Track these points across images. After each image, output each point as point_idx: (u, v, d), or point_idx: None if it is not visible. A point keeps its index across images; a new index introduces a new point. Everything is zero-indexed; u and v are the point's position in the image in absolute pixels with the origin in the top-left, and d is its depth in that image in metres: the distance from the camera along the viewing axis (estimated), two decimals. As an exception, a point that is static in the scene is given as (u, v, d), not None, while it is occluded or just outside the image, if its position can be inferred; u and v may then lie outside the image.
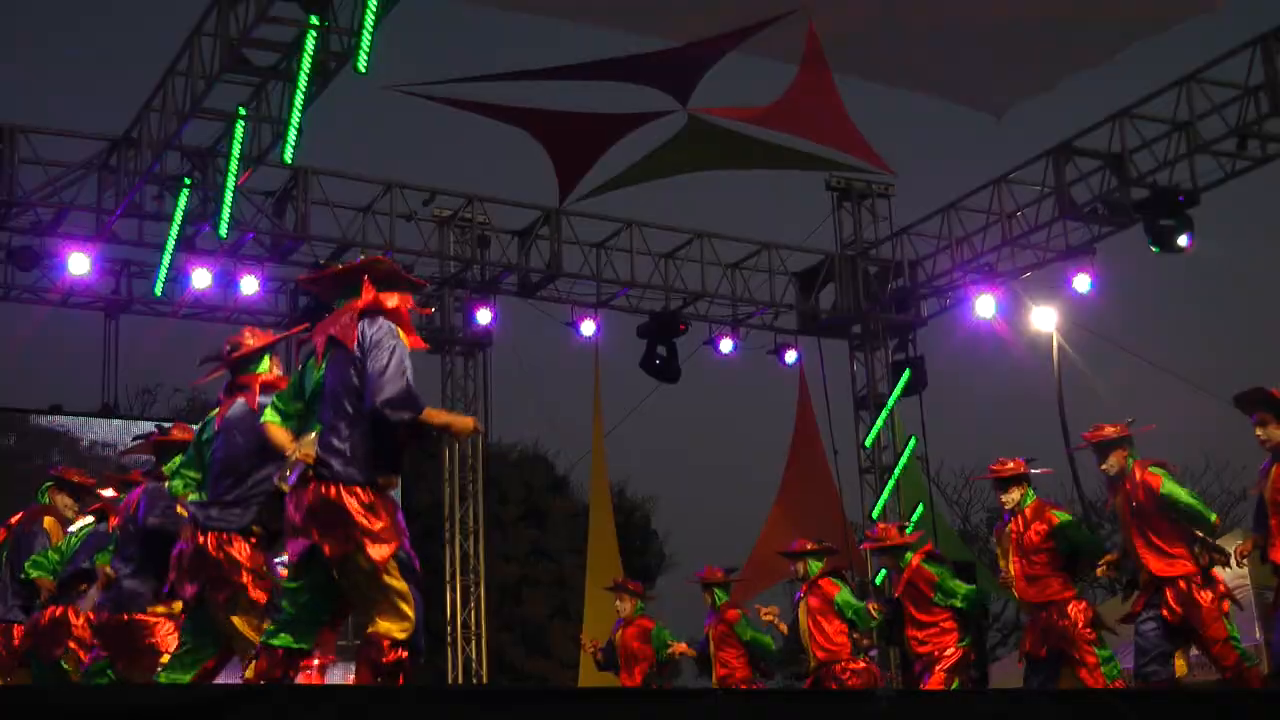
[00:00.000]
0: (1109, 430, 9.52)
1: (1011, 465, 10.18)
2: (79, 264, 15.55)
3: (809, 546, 11.91)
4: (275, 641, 6.19)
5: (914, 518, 18.09)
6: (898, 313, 19.17)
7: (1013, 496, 10.08)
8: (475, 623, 18.25)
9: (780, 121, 15.66)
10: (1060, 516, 9.96)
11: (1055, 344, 19.04)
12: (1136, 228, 16.43)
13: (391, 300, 6.25)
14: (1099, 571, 10.34)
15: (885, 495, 18.60)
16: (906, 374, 18.73)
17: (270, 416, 6.30)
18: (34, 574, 9.18)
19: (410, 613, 6.01)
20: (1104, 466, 9.53)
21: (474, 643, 18.17)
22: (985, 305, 18.13)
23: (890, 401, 18.82)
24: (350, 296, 6.28)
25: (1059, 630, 9.74)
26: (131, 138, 14.94)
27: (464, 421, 6.20)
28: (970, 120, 17.66)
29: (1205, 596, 9.20)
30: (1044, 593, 9.85)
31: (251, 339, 7.25)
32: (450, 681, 17.90)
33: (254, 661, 6.37)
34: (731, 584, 13.12)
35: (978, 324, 18.44)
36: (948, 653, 10.86)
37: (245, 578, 6.79)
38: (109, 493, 9.11)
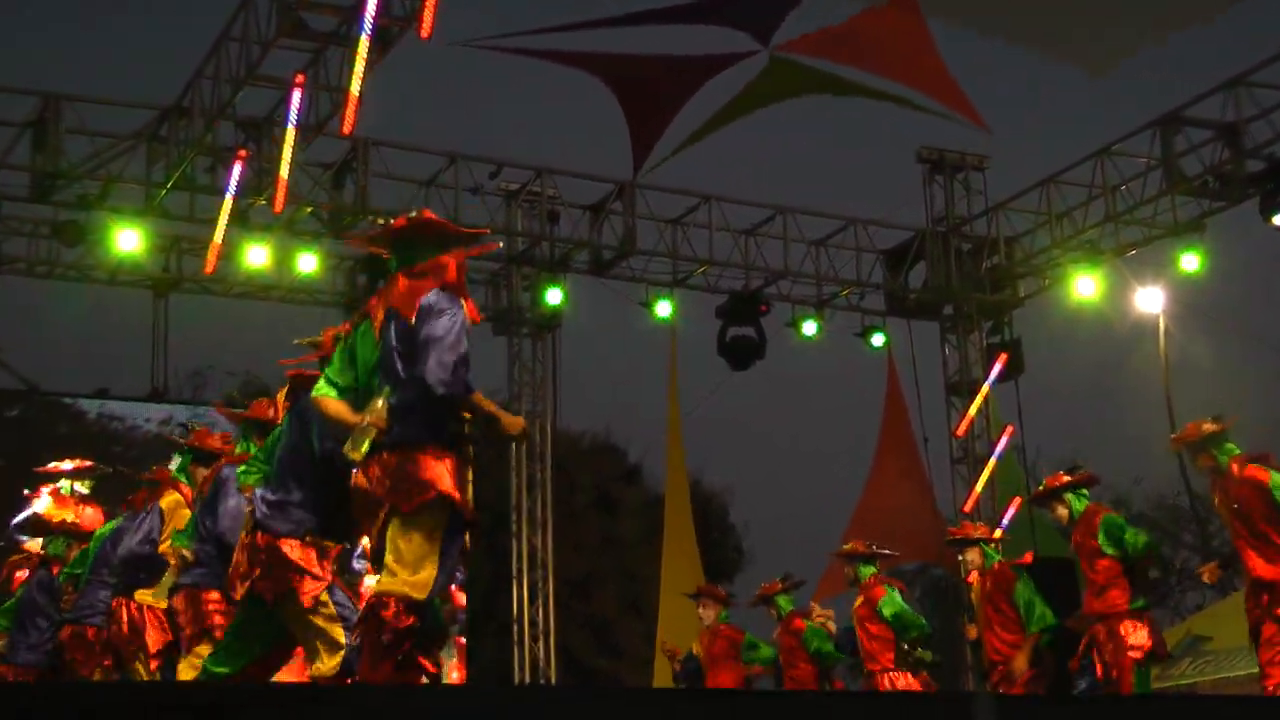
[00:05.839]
0: (1192, 430, 9.30)
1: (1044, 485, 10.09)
2: (127, 240, 15.53)
3: (859, 549, 11.58)
4: None
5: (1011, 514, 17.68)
6: (992, 293, 18.86)
7: (1059, 514, 9.90)
8: (544, 619, 18.03)
9: (873, 64, 15.13)
10: (1106, 518, 9.69)
11: (1161, 327, 18.60)
12: (1251, 203, 16.08)
13: (448, 270, 5.93)
14: (1206, 578, 10.01)
15: (979, 488, 18.20)
16: (1003, 358, 18.33)
17: (323, 389, 6.08)
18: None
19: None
20: (1197, 468, 9.34)
21: (542, 640, 17.95)
22: (1087, 285, 17.87)
23: (985, 387, 18.43)
24: (405, 260, 5.97)
25: (1105, 649, 9.52)
26: (183, 107, 14.81)
27: (513, 419, 6.03)
28: (1071, 88, 17.13)
29: None
30: (1100, 604, 9.58)
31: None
32: (517, 681, 17.70)
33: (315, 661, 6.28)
34: (793, 592, 12.71)
35: (1078, 305, 18.17)
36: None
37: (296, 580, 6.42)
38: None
